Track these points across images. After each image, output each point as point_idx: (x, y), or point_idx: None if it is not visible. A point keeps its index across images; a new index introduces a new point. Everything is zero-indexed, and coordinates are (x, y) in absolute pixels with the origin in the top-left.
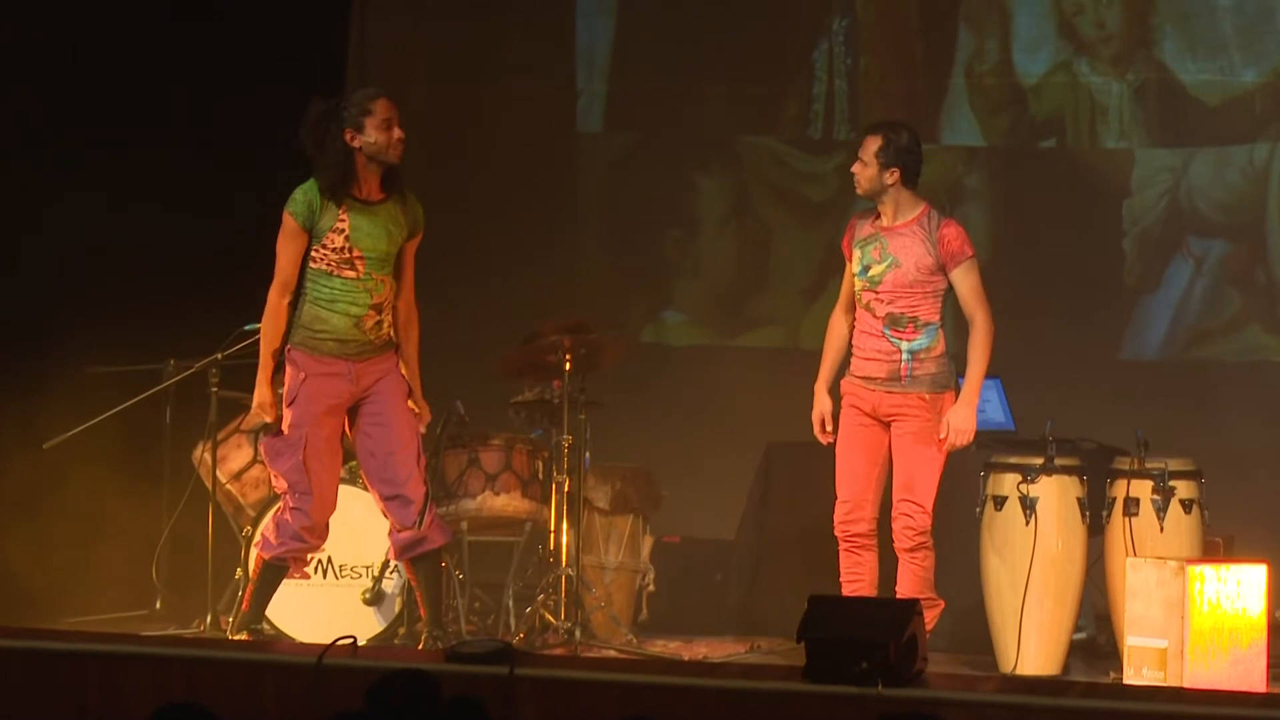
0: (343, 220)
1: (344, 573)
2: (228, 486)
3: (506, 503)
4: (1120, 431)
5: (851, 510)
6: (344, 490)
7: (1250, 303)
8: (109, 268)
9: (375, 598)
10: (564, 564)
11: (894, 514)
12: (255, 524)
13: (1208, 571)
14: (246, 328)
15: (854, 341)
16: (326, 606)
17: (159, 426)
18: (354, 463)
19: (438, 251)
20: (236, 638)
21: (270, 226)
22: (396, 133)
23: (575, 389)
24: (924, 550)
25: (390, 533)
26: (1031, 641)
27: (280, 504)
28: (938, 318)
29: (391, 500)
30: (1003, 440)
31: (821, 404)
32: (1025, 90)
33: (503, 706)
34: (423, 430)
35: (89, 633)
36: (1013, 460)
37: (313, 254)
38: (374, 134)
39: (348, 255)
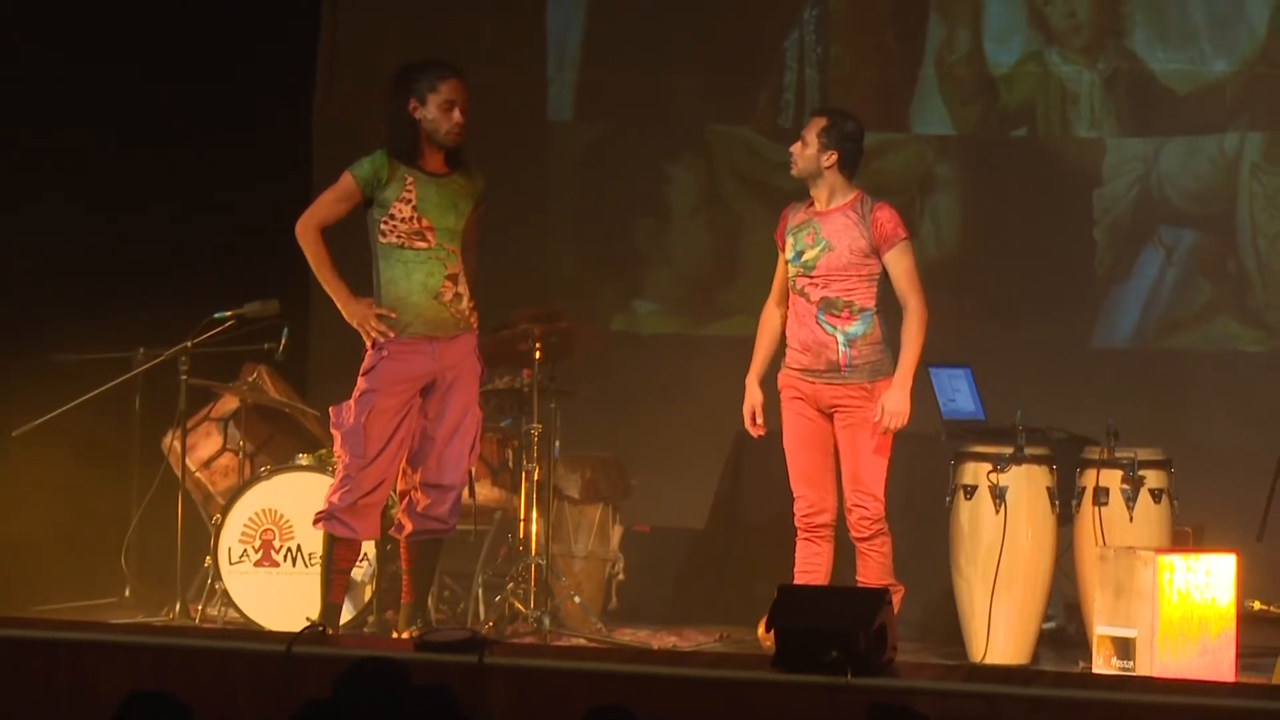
0: (409, 191)
1: (314, 561)
2: (197, 475)
3: (478, 492)
4: (1090, 421)
5: (813, 504)
6: (313, 478)
7: (1221, 292)
8: (78, 255)
9: None
10: (533, 553)
11: (847, 506)
12: (224, 512)
13: (1177, 561)
14: (216, 315)
15: (787, 332)
16: (296, 594)
17: (128, 414)
18: (323, 451)
19: None
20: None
21: (241, 215)
22: (456, 116)
23: (545, 377)
24: (881, 537)
25: (405, 509)
26: (1001, 630)
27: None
28: (873, 303)
29: (431, 488)
30: (973, 430)
31: (752, 396)
32: (996, 79)
33: (473, 695)
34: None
35: (58, 620)
36: (982, 449)
37: (381, 228)
38: (433, 111)
39: (417, 225)
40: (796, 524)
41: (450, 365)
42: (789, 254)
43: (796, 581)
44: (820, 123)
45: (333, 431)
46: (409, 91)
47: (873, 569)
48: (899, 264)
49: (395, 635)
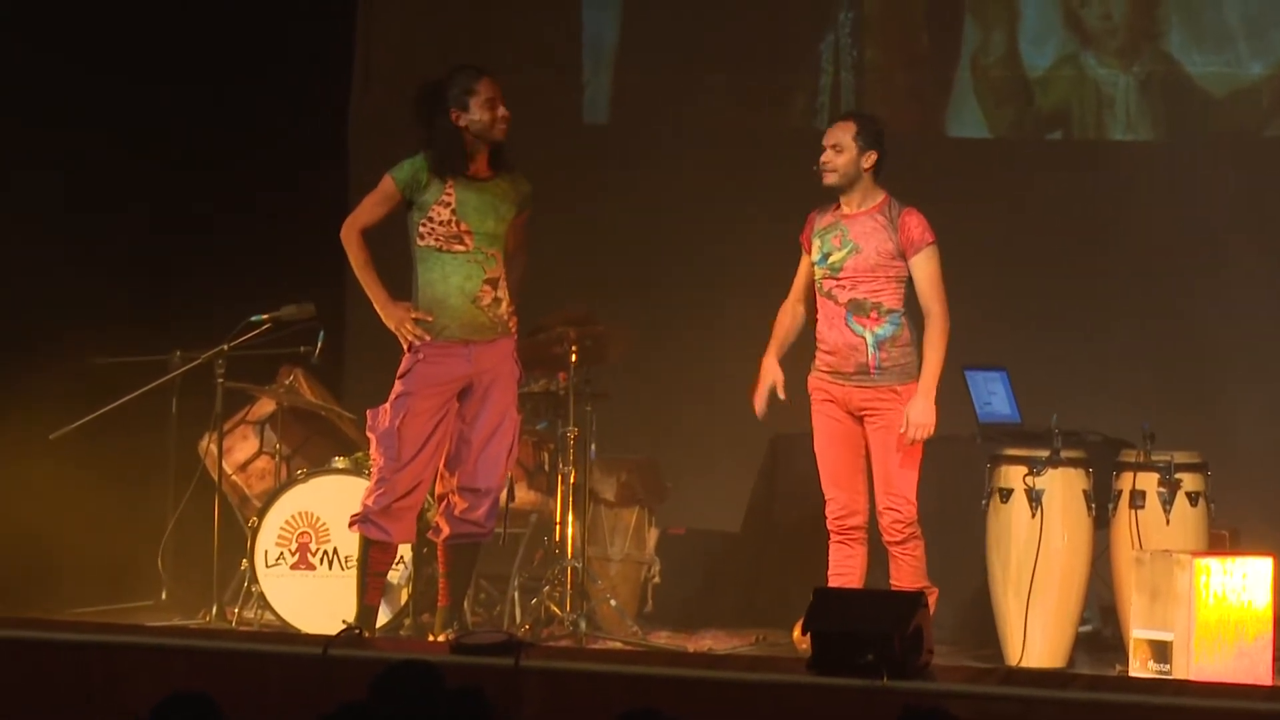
0: (449, 194)
1: (350, 564)
2: (233, 478)
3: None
4: (1126, 424)
5: (845, 506)
6: (349, 481)
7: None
8: (116, 260)
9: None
10: (569, 555)
11: (879, 510)
12: (261, 515)
13: (1214, 564)
14: (253, 319)
15: (817, 335)
16: (332, 598)
17: (165, 418)
18: (359, 453)
19: None
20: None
21: (277, 219)
22: (501, 111)
23: (581, 380)
24: (914, 541)
25: (443, 512)
26: (1037, 634)
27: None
28: (901, 305)
29: (468, 491)
30: (1008, 432)
31: (771, 371)
32: (1031, 82)
33: (507, 698)
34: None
35: (94, 623)
36: (1019, 453)
37: (420, 230)
38: (479, 113)
39: (455, 229)
40: (829, 526)
41: (487, 369)
42: (815, 256)
43: (831, 584)
44: (851, 126)
45: (368, 434)
46: (447, 103)
47: (906, 572)
48: (924, 269)
49: (431, 638)
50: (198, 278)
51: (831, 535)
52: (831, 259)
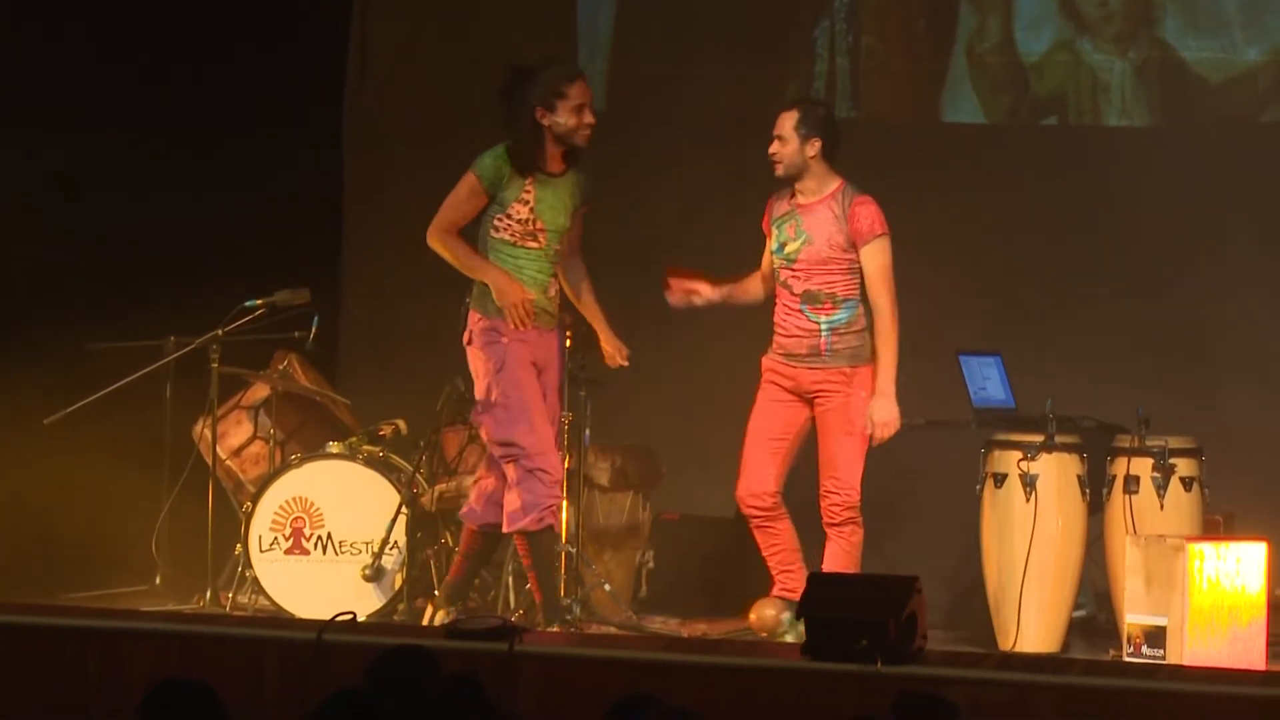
0: (528, 192)
1: (344, 549)
2: (228, 463)
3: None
4: (1121, 409)
5: (755, 485)
6: (344, 466)
7: None
8: (110, 245)
9: (375, 574)
10: (563, 541)
11: (821, 491)
12: (255, 500)
13: (1207, 549)
14: (247, 304)
15: (775, 320)
16: (326, 582)
17: (159, 402)
18: (354, 439)
19: None
20: (442, 611)
21: (272, 204)
22: (588, 117)
23: (576, 366)
24: (852, 525)
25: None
26: (1031, 619)
27: (480, 474)
28: (856, 293)
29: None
30: (1003, 418)
31: (705, 283)
32: (1027, 69)
33: (502, 683)
34: (625, 364)
35: (89, 608)
36: (1013, 438)
37: (494, 223)
38: (564, 116)
39: (531, 227)
40: (744, 512)
41: (545, 356)
42: (773, 245)
43: (769, 565)
44: (793, 115)
45: (493, 439)
46: (533, 99)
47: (841, 557)
48: (873, 261)
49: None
50: (192, 263)
51: (750, 521)
52: (787, 249)
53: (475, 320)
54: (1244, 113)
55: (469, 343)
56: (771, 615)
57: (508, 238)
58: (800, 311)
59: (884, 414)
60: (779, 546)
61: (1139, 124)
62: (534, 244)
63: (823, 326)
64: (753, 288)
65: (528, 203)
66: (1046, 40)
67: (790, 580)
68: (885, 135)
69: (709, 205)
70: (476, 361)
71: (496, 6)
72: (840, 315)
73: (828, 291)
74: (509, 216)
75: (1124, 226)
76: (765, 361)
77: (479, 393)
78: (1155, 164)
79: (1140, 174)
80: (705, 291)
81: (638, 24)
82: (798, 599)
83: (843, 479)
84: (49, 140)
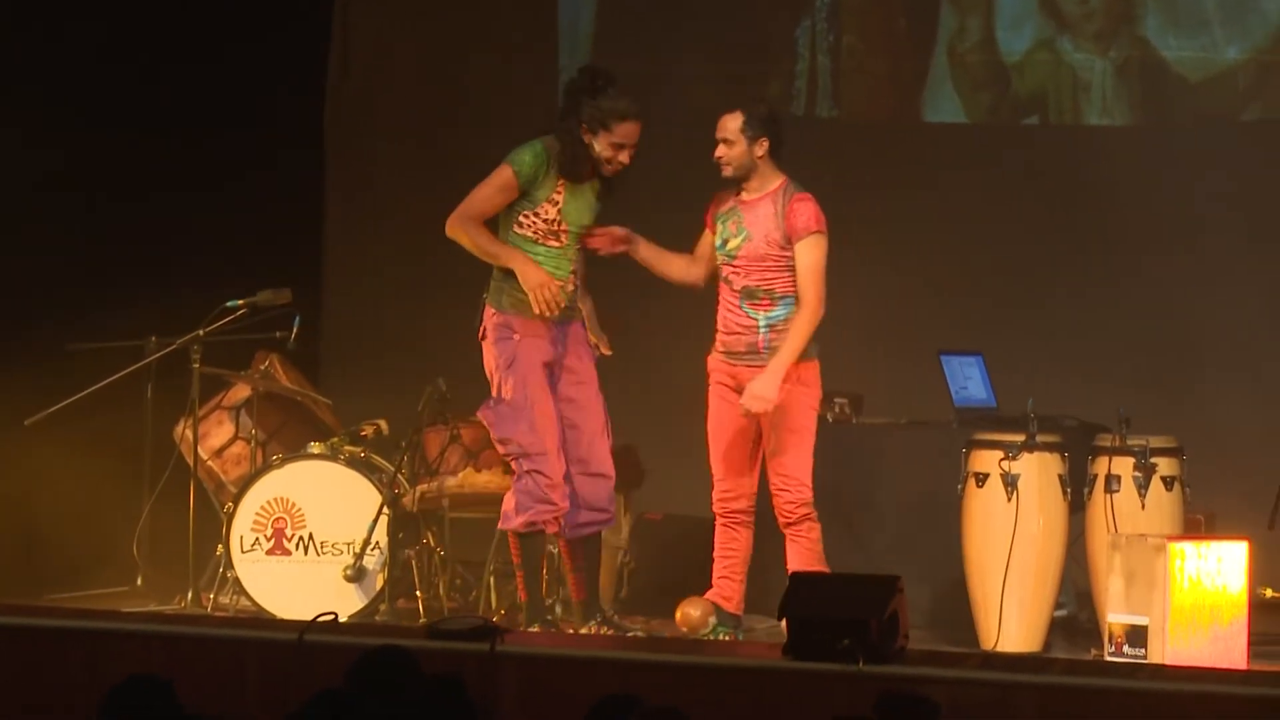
0: (559, 194)
1: (325, 549)
2: (209, 463)
3: (489, 479)
4: (1102, 408)
5: (730, 489)
6: (325, 466)
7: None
8: (90, 245)
9: (357, 574)
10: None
11: (772, 491)
12: (236, 500)
13: (1189, 548)
14: (228, 304)
15: (717, 317)
16: (308, 583)
17: (140, 403)
18: (335, 439)
19: (420, 230)
20: (532, 630)
21: (253, 204)
22: (623, 157)
23: None
24: (808, 522)
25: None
26: (1013, 618)
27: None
28: (794, 290)
29: (592, 477)
30: (984, 417)
31: (639, 239)
32: (1008, 68)
33: (484, 683)
34: (608, 353)
35: (70, 609)
36: (994, 437)
37: (519, 219)
38: (603, 149)
39: (556, 227)
40: (714, 509)
41: (568, 348)
42: (716, 241)
43: (715, 566)
44: (736, 117)
45: (497, 435)
46: (584, 115)
47: (803, 555)
48: (804, 258)
49: (573, 633)
50: (173, 263)
51: (718, 519)
52: (728, 245)
53: (490, 315)
54: (1224, 111)
55: (483, 337)
56: (697, 616)
57: (530, 234)
58: (739, 308)
59: (760, 387)
60: (734, 552)
61: (1120, 123)
62: (555, 243)
63: (761, 323)
64: (676, 263)
65: (557, 204)
66: (1027, 39)
67: (727, 588)
68: (866, 134)
69: (690, 202)
70: (489, 356)
71: (478, 4)
72: (778, 312)
73: (765, 288)
74: (536, 215)
75: (1105, 225)
76: (710, 361)
77: (491, 388)
78: (1136, 163)
79: (1121, 173)
80: (632, 238)
81: (619, 21)
82: (728, 608)
83: (791, 475)
84: (28, 141)
